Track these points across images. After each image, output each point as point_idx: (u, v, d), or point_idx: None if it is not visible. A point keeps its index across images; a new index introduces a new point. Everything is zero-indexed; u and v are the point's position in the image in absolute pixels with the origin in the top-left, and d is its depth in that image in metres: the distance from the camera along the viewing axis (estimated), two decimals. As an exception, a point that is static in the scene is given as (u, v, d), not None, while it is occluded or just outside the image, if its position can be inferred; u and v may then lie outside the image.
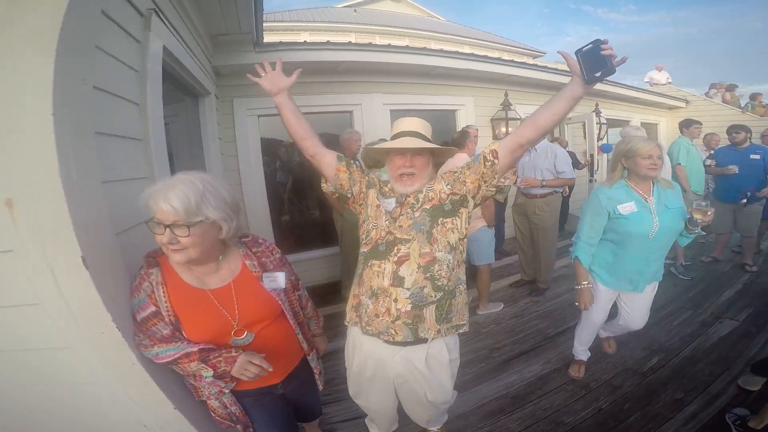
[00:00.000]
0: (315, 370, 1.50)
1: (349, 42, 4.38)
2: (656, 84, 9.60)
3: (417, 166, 1.44)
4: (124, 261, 1.20)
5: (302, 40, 4.20)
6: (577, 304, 2.21)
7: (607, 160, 6.92)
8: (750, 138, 4.18)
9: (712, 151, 4.44)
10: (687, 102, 9.06)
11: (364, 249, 1.47)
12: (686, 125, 4.33)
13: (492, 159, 1.37)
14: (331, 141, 5.30)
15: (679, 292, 3.68)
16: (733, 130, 4.17)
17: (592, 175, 5.65)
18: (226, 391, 1.20)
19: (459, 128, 4.32)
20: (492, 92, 5.48)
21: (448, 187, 1.43)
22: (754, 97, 9.63)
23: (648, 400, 2.20)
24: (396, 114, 4.78)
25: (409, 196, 1.45)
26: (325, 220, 4.04)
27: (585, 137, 5.89)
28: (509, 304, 3.60)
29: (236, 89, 3.95)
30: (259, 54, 3.74)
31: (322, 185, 1.58)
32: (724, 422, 2.02)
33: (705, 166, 4.30)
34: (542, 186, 3.48)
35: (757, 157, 3.97)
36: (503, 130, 5.18)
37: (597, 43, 1.09)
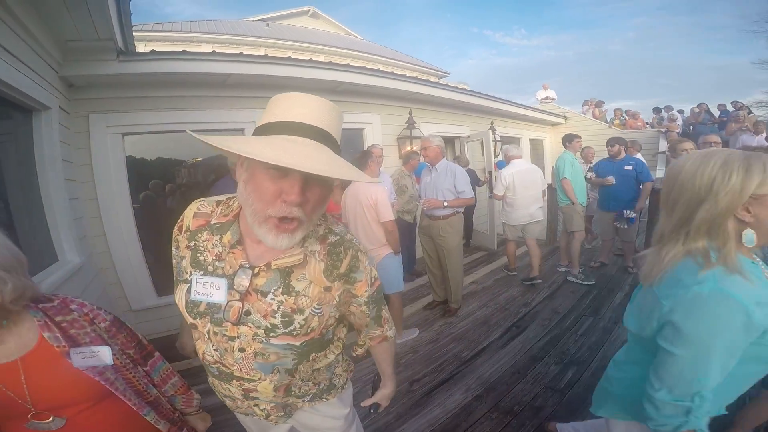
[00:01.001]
0: None
1: (240, 53, 3.81)
2: (547, 100, 10.37)
3: (311, 202, 0.74)
4: None
5: (181, 50, 3.55)
6: None
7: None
8: (625, 150, 4.46)
9: (592, 164, 4.66)
10: (566, 118, 9.92)
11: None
12: (569, 140, 4.43)
13: None
14: (222, 164, 4.68)
15: (578, 299, 3.74)
16: (608, 143, 4.42)
17: (491, 191, 5.64)
18: None
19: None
20: (398, 110, 5.29)
21: (335, 308, 0.91)
22: (614, 112, 10.94)
23: (572, 419, 2.07)
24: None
25: (258, 274, 0.82)
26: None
27: (483, 154, 5.94)
28: (424, 328, 3.38)
29: (93, 103, 3.20)
30: (123, 64, 3.09)
31: None
32: None
33: (586, 178, 4.50)
34: (444, 207, 3.31)
35: (630, 167, 4.23)
36: (408, 148, 4.97)
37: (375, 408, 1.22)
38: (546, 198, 5.91)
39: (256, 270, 0.82)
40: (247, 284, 0.82)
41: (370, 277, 0.93)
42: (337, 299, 0.88)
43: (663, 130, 8.67)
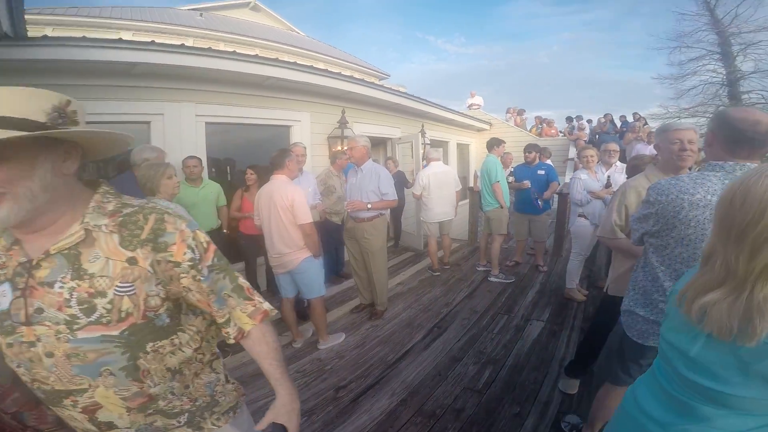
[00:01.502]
0: None
1: (152, 41, 3.38)
2: (474, 106, 10.73)
3: None
4: None
5: (81, 35, 3.06)
6: None
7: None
8: (540, 156, 4.67)
9: (512, 169, 4.79)
10: (491, 125, 10.36)
11: None
12: (496, 144, 4.43)
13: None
14: (125, 160, 4.18)
15: (494, 298, 3.85)
16: (526, 149, 4.63)
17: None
18: None
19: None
20: (331, 109, 5.10)
21: (160, 286, 0.77)
22: (534, 120, 11.61)
23: (491, 419, 2.10)
24: (213, 128, 3.94)
25: (38, 265, 0.72)
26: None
27: (413, 156, 5.94)
28: (351, 332, 3.25)
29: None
30: (9, 49, 2.65)
31: None
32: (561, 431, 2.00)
33: (507, 182, 4.64)
34: (368, 209, 3.20)
35: (542, 172, 4.49)
36: (339, 148, 4.80)
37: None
38: (468, 201, 6.09)
39: (35, 261, 0.73)
40: (26, 278, 0.72)
41: (193, 242, 0.81)
42: (152, 270, 0.75)
43: (573, 138, 9.37)
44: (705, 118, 13.86)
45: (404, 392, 2.40)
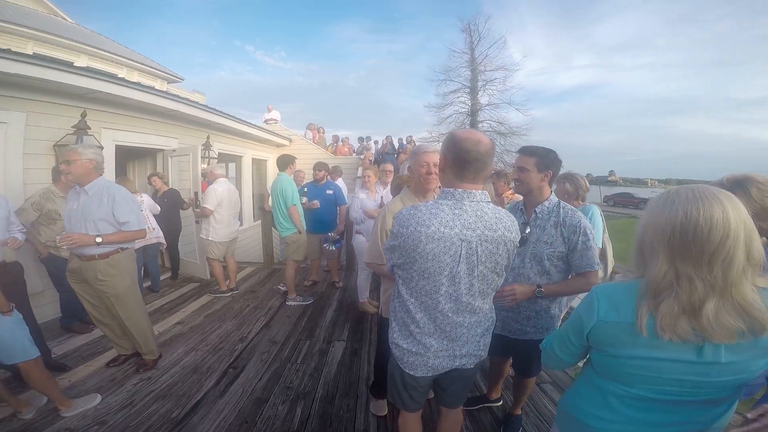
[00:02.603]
0: None
1: None
2: (272, 121, 10.47)
3: None
4: None
5: None
6: None
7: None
8: (329, 175, 4.78)
9: (305, 189, 4.66)
10: (291, 140, 10.34)
11: None
12: (290, 162, 4.17)
13: None
14: None
15: (294, 323, 3.67)
16: (315, 167, 4.59)
17: (197, 215, 4.76)
18: None
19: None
20: (64, 109, 3.86)
21: None
22: (332, 138, 12.32)
23: None
24: None
25: None
26: None
27: (191, 172, 5.15)
28: (111, 392, 2.48)
29: None
30: None
31: None
32: None
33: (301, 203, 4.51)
34: (98, 244, 2.45)
35: (331, 192, 4.57)
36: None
37: None
38: (261, 221, 5.78)
39: None
40: None
41: None
42: None
43: (362, 157, 10.39)
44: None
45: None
